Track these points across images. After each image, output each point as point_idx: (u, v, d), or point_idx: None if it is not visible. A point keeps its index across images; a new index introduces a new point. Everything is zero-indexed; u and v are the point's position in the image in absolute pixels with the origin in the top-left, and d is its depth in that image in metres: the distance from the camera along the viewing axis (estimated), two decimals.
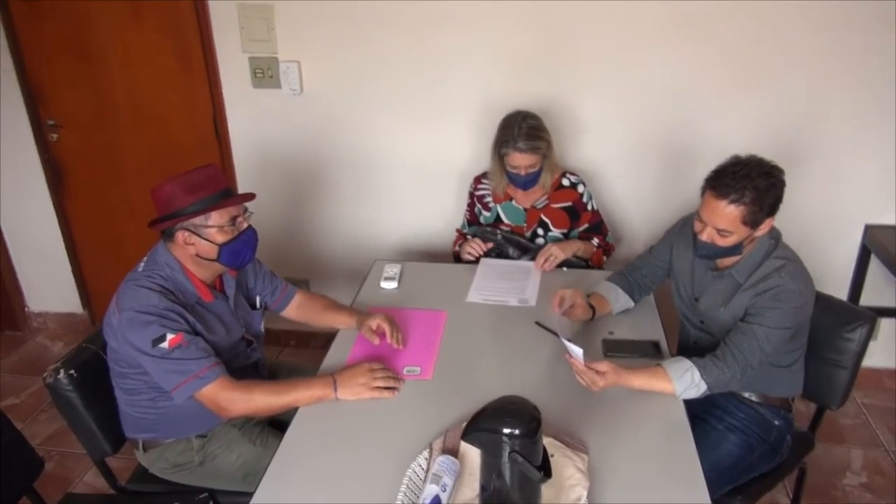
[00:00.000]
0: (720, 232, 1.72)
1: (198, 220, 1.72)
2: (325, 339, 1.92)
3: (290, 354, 3.26)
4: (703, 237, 1.75)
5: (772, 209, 1.71)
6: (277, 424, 1.90)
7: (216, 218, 1.73)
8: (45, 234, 3.28)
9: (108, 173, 3.14)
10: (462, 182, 2.83)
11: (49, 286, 3.43)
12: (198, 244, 1.73)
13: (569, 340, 1.68)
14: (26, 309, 3.51)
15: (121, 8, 2.80)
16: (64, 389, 1.80)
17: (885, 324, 2.88)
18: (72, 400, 1.81)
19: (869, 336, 1.91)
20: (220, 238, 1.74)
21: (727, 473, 1.84)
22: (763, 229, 1.75)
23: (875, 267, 2.75)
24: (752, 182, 1.66)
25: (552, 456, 1.45)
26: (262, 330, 2.02)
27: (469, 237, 2.54)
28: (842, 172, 2.67)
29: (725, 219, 1.69)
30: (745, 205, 1.67)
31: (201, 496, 1.86)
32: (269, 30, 2.72)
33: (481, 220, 2.58)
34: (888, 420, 2.79)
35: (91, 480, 2.56)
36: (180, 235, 1.72)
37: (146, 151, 3.07)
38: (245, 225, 1.80)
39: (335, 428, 1.65)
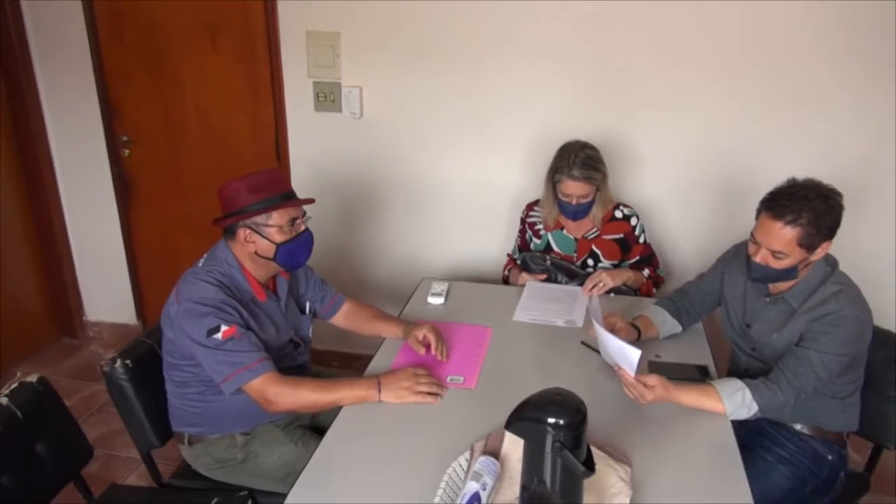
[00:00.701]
0: (775, 254, 1.70)
1: (259, 218, 1.79)
2: (367, 360, 1.96)
3: None
4: (758, 259, 1.74)
5: (829, 233, 1.69)
6: (319, 429, 1.92)
7: (276, 218, 1.80)
8: (109, 245, 3.42)
9: (172, 188, 3.28)
10: (512, 209, 2.87)
11: (107, 296, 3.55)
12: (257, 242, 1.80)
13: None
14: (84, 318, 3.64)
15: (200, 33, 2.97)
16: (119, 378, 1.86)
17: None
18: (125, 389, 1.87)
19: None
20: (279, 237, 1.81)
21: None
22: (819, 254, 1.72)
23: None
24: (809, 204, 1.65)
25: (595, 467, 1.44)
26: (310, 334, 2.07)
27: (520, 263, 2.56)
28: None
29: (781, 240, 1.68)
30: (802, 226, 1.65)
31: (241, 494, 1.87)
32: (334, 56, 2.85)
33: (532, 247, 2.60)
34: None
35: (133, 482, 2.60)
36: (241, 233, 1.80)
37: (209, 169, 3.20)
38: (303, 227, 1.87)
39: (376, 430, 1.66)
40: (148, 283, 3.53)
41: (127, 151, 3.25)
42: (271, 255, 1.82)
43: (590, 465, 1.19)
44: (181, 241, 3.35)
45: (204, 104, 3.10)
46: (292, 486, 1.47)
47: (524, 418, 1.19)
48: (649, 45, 2.61)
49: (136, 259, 3.49)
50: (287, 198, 1.84)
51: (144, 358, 1.92)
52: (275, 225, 1.80)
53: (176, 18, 2.97)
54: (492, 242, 2.99)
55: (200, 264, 1.84)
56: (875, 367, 1.87)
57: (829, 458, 1.83)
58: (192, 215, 3.27)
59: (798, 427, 1.86)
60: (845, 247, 1.83)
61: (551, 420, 1.16)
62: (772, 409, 1.68)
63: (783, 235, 1.67)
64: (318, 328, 2.11)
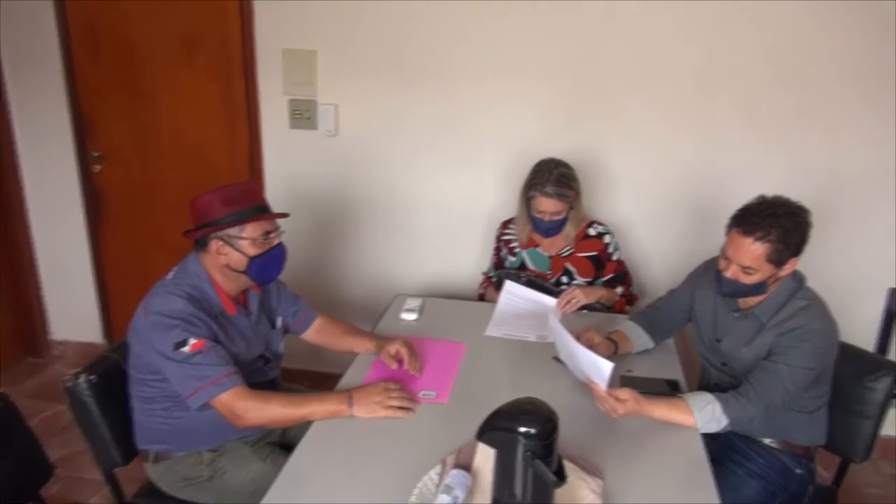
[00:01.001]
0: (745, 269, 1.73)
1: (232, 230, 1.78)
2: (339, 378, 1.94)
3: None
4: (728, 274, 1.76)
5: (797, 249, 1.73)
6: (289, 447, 1.89)
7: (250, 230, 1.79)
8: (77, 262, 3.36)
9: (144, 205, 3.24)
10: (487, 227, 2.88)
11: (74, 314, 3.48)
12: (229, 255, 1.78)
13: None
14: (49, 337, 3.55)
15: (176, 50, 2.97)
16: (83, 394, 1.80)
17: None
18: (89, 405, 1.82)
19: (892, 385, 1.87)
20: (252, 251, 1.79)
21: None
22: (787, 269, 1.75)
23: None
24: (777, 220, 1.68)
25: (567, 477, 1.43)
26: (282, 350, 2.04)
27: (495, 282, 2.57)
28: (865, 235, 2.68)
29: (750, 255, 1.70)
30: (771, 242, 1.68)
31: None
32: (310, 74, 2.86)
33: (507, 264, 2.61)
34: None
35: (96, 503, 2.53)
36: (213, 244, 1.78)
37: (182, 186, 3.17)
38: (276, 241, 1.86)
39: (346, 445, 1.64)
40: (116, 302, 3.47)
41: (98, 167, 3.21)
42: (243, 268, 1.80)
43: (560, 476, 1.19)
44: (152, 259, 3.30)
45: (178, 121, 3.08)
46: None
47: (495, 427, 1.19)
48: (625, 67, 2.66)
49: (105, 277, 3.43)
50: (261, 211, 1.83)
51: (109, 373, 1.87)
52: (248, 238, 1.78)
53: (152, 35, 2.96)
54: (466, 260, 2.99)
55: (170, 277, 1.82)
56: (841, 381, 1.90)
57: (798, 471, 1.85)
58: (165, 233, 3.23)
59: (767, 441, 1.88)
60: (812, 265, 1.86)
61: (522, 429, 1.16)
62: (741, 422, 1.69)
63: (753, 251, 1.70)
64: (290, 347, 2.09)
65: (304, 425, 1.72)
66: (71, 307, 3.47)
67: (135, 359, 1.80)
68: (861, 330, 2.72)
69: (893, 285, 2.71)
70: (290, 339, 2.09)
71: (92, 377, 1.81)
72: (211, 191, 1.80)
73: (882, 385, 1.88)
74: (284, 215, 1.89)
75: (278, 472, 1.55)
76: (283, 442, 1.97)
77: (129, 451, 1.90)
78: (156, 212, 3.24)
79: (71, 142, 3.16)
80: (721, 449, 1.86)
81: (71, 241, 3.33)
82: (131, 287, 3.36)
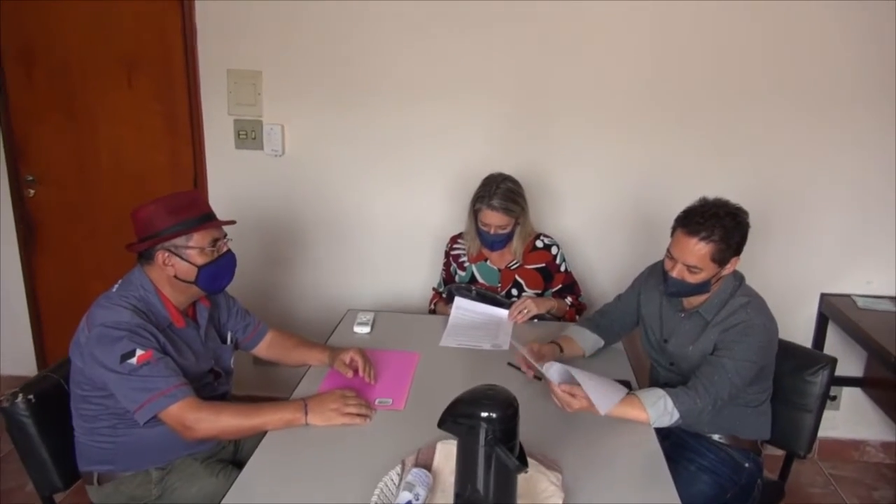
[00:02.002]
0: (690, 269, 1.80)
1: (179, 240, 1.74)
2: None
3: None
4: (674, 274, 1.82)
5: (738, 248, 1.80)
6: (242, 465, 1.83)
7: (197, 239, 1.75)
8: (10, 291, 3.22)
9: (82, 231, 3.14)
10: (436, 244, 2.90)
11: (6, 347, 3.30)
12: (177, 265, 1.74)
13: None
14: None
15: (115, 70, 2.92)
16: (20, 415, 1.72)
17: (846, 393, 2.93)
18: (27, 427, 1.73)
19: (831, 377, 1.96)
20: (200, 260, 1.76)
21: None
22: (729, 268, 1.83)
23: (832, 337, 2.84)
24: (720, 221, 1.76)
25: (526, 471, 1.44)
26: (232, 366, 1.99)
27: (445, 296, 2.58)
28: (799, 244, 2.81)
29: (695, 255, 1.77)
30: (714, 242, 1.75)
31: None
32: (255, 94, 2.86)
33: (457, 279, 2.63)
34: (857, 490, 2.79)
35: None
36: (160, 256, 1.73)
37: (122, 210, 3.02)
38: (225, 249, 1.83)
39: (301, 455, 1.60)
40: (52, 333, 3.32)
41: (32, 192, 3.10)
42: (192, 277, 1.76)
43: (523, 461, 1.19)
44: (91, 288, 3.13)
45: (118, 142, 3.02)
46: None
47: (457, 414, 1.19)
48: (567, 85, 2.75)
49: (40, 306, 3.29)
50: (207, 219, 1.80)
51: (48, 393, 1.79)
52: (195, 247, 1.75)
53: (90, 55, 2.91)
54: (416, 277, 3.00)
55: (114, 290, 1.77)
56: (782, 377, 1.98)
57: (746, 465, 1.90)
58: (104, 260, 3.13)
59: (716, 437, 1.93)
60: (749, 273, 1.95)
61: (484, 414, 1.16)
62: (691, 415, 1.74)
63: (697, 251, 1.77)
64: (239, 372, 2.04)
65: (256, 440, 1.67)
66: (3, 339, 3.30)
67: (77, 375, 1.73)
68: (796, 334, 2.85)
69: (824, 291, 2.85)
70: (237, 364, 2.03)
71: (30, 397, 1.73)
72: (153, 201, 1.76)
73: (821, 378, 1.96)
74: (231, 222, 1.87)
75: (230, 488, 1.50)
76: (235, 460, 1.92)
77: (70, 476, 1.82)
78: (94, 237, 3.14)
79: (2, 165, 3.05)
80: (672, 447, 1.90)
81: (3, 269, 3.19)
82: (68, 317, 3.19)
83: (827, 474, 2.89)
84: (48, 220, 3.15)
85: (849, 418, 2.97)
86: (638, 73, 2.72)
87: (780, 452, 2.07)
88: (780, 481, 2.07)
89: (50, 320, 3.30)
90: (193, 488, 1.76)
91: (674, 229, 1.84)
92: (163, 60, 2.89)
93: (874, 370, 2.85)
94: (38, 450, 1.76)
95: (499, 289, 2.56)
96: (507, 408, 1.18)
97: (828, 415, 2.09)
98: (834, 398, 2.89)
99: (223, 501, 1.44)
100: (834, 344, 2.83)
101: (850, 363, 2.86)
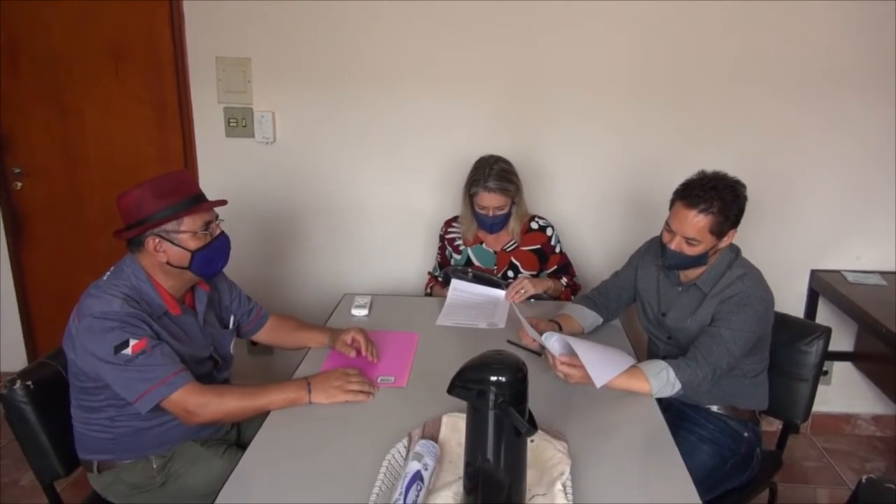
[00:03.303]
0: (689, 241, 1.81)
1: (169, 225, 1.68)
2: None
3: None
4: (672, 246, 1.84)
5: (736, 221, 1.82)
6: (244, 446, 1.82)
7: (189, 223, 1.70)
8: None
9: (72, 224, 3.11)
10: (430, 229, 2.91)
11: None
12: (169, 251, 1.69)
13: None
14: None
15: (102, 61, 2.89)
16: (19, 401, 1.70)
17: (837, 368, 2.97)
18: (26, 413, 1.71)
19: (826, 347, 1.99)
20: (193, 244, 1.70)
21: (702, 483, 1.79)
22: (727, 241, 1.85)
23: (823, 312, 2.87)
24: (718, 193, 1.77)
25: (532, 441, 1.45)
26: (232, 352, 1.97)
27: (441, 279, 2.58)
28: (789, 222, 2.84)
29: (694, 227, 1.79)
30: (713, 214, 1.77)
31: None
32: (245, 82, 2.84)
33: (452, 262, 2.63)
34: (851, 462, 2.83)
35: None
36: (150, 242, 1.68)
37: (112, 202, 3.02)
38: (218, 231, 1.78)
39: (307, 433, 1.59)
40: (43, 328, 3.29)
41: (19, 184, 3.06)
42: (186, 263, 1.71)
43: (532, 424, 1.20)
44: (82, 280, 3.05)
45: (106, 133, 2.99)
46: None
47: (466, 380, 1.19)
48: (559, 68, 2.75)
49: (29, 302, 3.25)
50: (197, 201, 1.73)
51: (47, 379, 1.78)
52: (187, 231, 1.69)
53: (76, 45, 2.88)
54: (411, 263, 3.00)
55: (105, 279, 1.71)
56: (778, 348, 2.01)
57: (745, 434, 1.93)
58: (95, 252, 3.10)
59: (715, 408, 1.95)
60: (742, 249, 1.98)
61: (493, 378, 1.17)
62: (692, 385, 1.76)
63: (696, 223, 1.78)
64: (236, 369, 2.01)
65: (259, 421, 1.65)
66: None
67: (72, 367, 1.70)
68: (787, 310, 2.86)
69: (814, 267, 2.88)
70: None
71: (29, 383, 1.71)
72: (138, 184, 1.68)
73: (815, 348, 1.99)
74: (223, 202, 1.81)
75: (235, 468, 1.48)
76: (238, 443, 1.90)
77: (71, 462, 1.80)
78: (84, 230, 3.11)
79: None
80: (672, 419, 1.91)
81: None
82: (59, 312, 3.18)
83: (820, 448, 2.93)
84: (36, 213, 3.12)
85: (840, 392, 3.01)
86: (628, 57, 2.73)
87: (775, 427, 2.09)
88: (778, 451, 2.09)
89: (40, 314, 3.27)
90: (198, 472, 1.75)
91: (672, 202, 1.85)
92: (150, 49, 2.87)
93: (865, 344, 2.89)
94: (38, 436, 1.74)
95: (495, 271, 2.56)
96: (517, 371, 1.19)
97: (820, 389, 2.12)
98: (826, 373, 2.93)
99: (229, 481, 1.42)
100: (824, 319, 2.86)
101: (840, 338, 2.89)
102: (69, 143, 3.01)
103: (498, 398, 1.16)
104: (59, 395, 1.77)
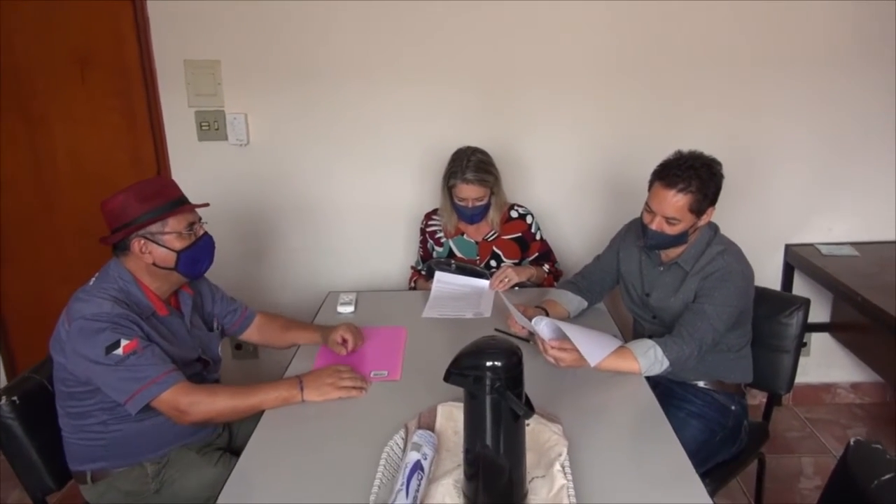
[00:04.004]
0: (669, 220, 1.84)
1: (154, 227, 1.71)
2: None
3: None
4: (653, 226, 1.87)
5: (714, 198, 1.86)
6: (237, 451, 1.81)
7: (173, 224, 1.72)
8: None
9: (44, 236, 3.04)
10: (409, 224, 2.91)
11: None
12: (155, 252, 1.71)
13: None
14: None
15: (67, 68, 2.82)
16: (5, 417, 1.68)
17: (814, 339, 3.04)
18: (13, 429, 1.69)
19: (805, 318, 2.03)
20: (178, 244, 1.73)
21: (694, 457, 1.80)
22: (705, 219, 1.88)
23: (799, 286, 2.94)
24: (696, 172, 1.81)
25: (528, 425, 1.46)
26: (220, 354, 1.97)
27: (425, 272, 2.59)
28: (762, 199, 2.90)
29: (674, 207, 1.82)
30: (692, 193, 1.80)
31: None
32: (215, 84, 2.81)
33: (434, 255, 2.64)
34: (833, 430, 2.91)
35: None
36: (136, 244, 1.70)
37: (85, 212, 2.99)
38: (202, 231, 1.80)
39: (302, 432, 1.59)
40: (20, 345, 3.22)
41: None
42: (172, 263, 1.73)
43: (530, 407, 1.22)
44: (59, 294, 3.01)
45: (75, 142, 2.93)
46: None
47: (462, 367, 1.20)
48: (531, 57, 2.77)
49: (5, 318, 3.18)
50: (180, 203, 1.77)
51: (33, 393, 1.76)
52: (172, 232, 1.72)
53: (39, 52, 2.81)
54: (393, 258, 3.00)
55: (91, 283, 1.72)
56: (759, 322, 2.05)
57: (733, 407, 1.97)
58: (71, 264, 3.04)
59: (701, 384, 1.99)
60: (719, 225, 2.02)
61: (489, 363, 1.18)
62: (680, 361, 1.79)
63: (676, 202, 1.81)
64: (222, 374, 2.00)
65: (251, 425, 1.64)
66: None
67: (60, 371, 1.69)
68: (764, 285, 2.93)
69: (788, 242, 2.94)
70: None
71: (14, 398, 1.69)
72: (122, 190, 1.72)
73: (795, 319, 2.04)
74: (205, 205, 1.84)
75: (230, 474, 1.47)
76: (231, 447, 1.90)
77: (63, 476, 1.78)
78: (58, 242, 3.05)
79: None
80: (660, 396, 1.92)
81: None
82: (36, 326, 3.14)
83: (803, 418, 3.00)
84: (8, 228, 3.05)
85: (819, 363, 3.08)
86: (600, 42, 2.75)
87: (758, 401, 2.13)
88: (765, 422, 2.14)
89: (17, 331, 3.20)
90: (192, 479, 1.74)
91: (651, 183, 1.88)
92: (116, 54, 2.82)
93: (840, 314, 2.96)
94: (26, 451, 1.72)
95: (477, 261, 2.58)
96: (512, 355, 1.20)
97: (799, 361, 2.17)
98: (805, 344, 2.99)
99: (226, 487, 1.41)
100: (800, 292, 2.92)
101: (816, 310, 2.95)
102: (38, 155, 2.95)
103: (494, 383, 1.17)
104: (45, 409, 1.76)
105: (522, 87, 2.81)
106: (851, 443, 1.27)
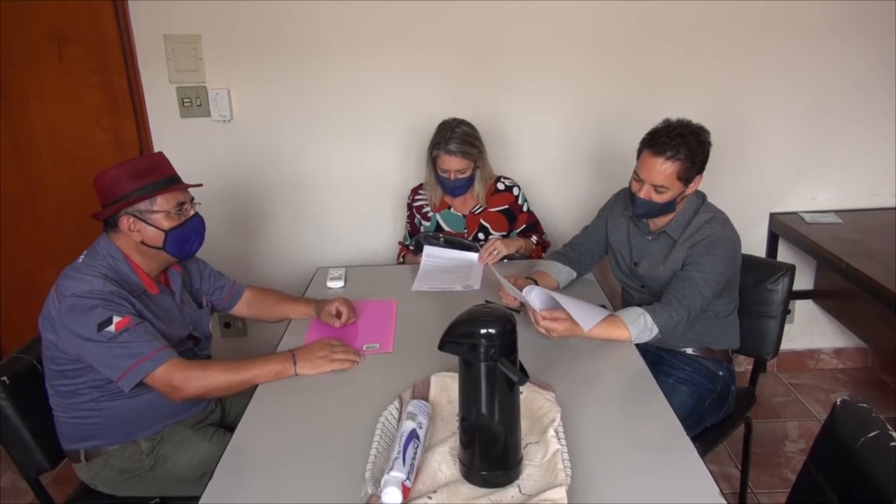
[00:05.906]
0: (657, 188, 1.85)
1: (143, 205, 1.69)
2: None
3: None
4: (642, 195, 1.87)
5: (701, 166, 1.87)
6: (231, 427, 1.81)
7: (162, 202, 1.71)
8: None
9: (26, 219, 3.00)
10: (396, 199, 2.90)
11: None
12: (143, 230, 1.70)
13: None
14: None
15: (43, 45, 2.77)
16: None
17: (798, 306, 3.09)
18: (4, 409, 1.68)
19: (791, 284, 2.06)
20: (167, 224, 1.71)
21: (683, 422, 1.81)
22: (693, 187, 1.89)
23: (783, 254, 2.97)
24: (684, 140, 1.81)
25: (521, 393, 1.47)
26: (210, 330, 1.96)
27: (413, 247, 2.58)
28: (747, 168, 2.92)
29: (662, 174, 1.82)
30: (680, 160, 1.81)
31: (153, 503, 1.74)
32: (197, 59, 2.76)
33: (422, 229, 2.63)
34: (816, 394, 2.96)
35: None
36: (124, 221, 1.69)
37: (68, 193, 2.97)
38: (192, 212, 1.79)
39: (296, 406, 1.59)
40: (7, 329, 3.19)
41: None
42: (160, 243, 1.72)
43: (524, 373, 1.23)
44: (44, 277, 3.05)
45: (55, 123, 2.88)
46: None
47: (457, 335, 1.21)
48: (515, 28, 2.74)
49: None
50: (171, 182, 1.75)
51: (23, 373, 1.75)
52: (160, 210, 1.70)
53: (12, 29, 2.75)
54: (381, 233, 3.00)
55: (80, 261, 1.70)
56: (745, 289, 2.08)
57: (720, 373, 2.00)
58: (55, 246, 3.02)
59: (690, 351, 2.02)
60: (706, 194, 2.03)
61: (483, 331, 1.18)
62: (669, 328, 1.81)
63: (664, 170, 1.82)
64: (214, 356, 1.99)
65: (244, 401, 1.64)
66: None
67: (51, 350, 1.67)
68: (751, 252, 2.96)
69: (773, 210, 2.97)
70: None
71: (4, 378, 1.68)
72: (115, 165, 1.71)
73: (781, 286, 2.07)
74: (197, 185, 1.82)
75: (225, 450, 1.47)
76: (224, 423, 1.91)
77: (56, 455, 1.78)
78: (40, 224, 3.01)
79: None
80: (650, 364, 1.94)
81: None
82: (21, 310, 3.13)
83: (787, 384, 3.05)
84: None
85: (803, 329, 3.13)
86: (586, 11, 2.73)
87: (744, 368, 2.17)
88: (751, 388, 2.18)
89: (2, 315, 3.17)
90: (187, 455, 1.75)
91: (640, 151, 1.88)
92: (94, 30, 2.76)
93: (824, 281, 3.00)
94: (18, 431, 1.71)
95: (465, 234, 2.58)
96: (506, 323, 1.20)
97: (784, 328, 2.21)
98: (789, 311, 3.03)
99: (221, 463, 1.41)
100: (785, 260, 2.93)
101: (800, 278, 2.96)
102: (17, 136, 2.90)
103: (489, 350, 1.18)
104: (36, 389, 1.75)
105: (508, 59, 2.79)
106: (838, 402, 1.29)
